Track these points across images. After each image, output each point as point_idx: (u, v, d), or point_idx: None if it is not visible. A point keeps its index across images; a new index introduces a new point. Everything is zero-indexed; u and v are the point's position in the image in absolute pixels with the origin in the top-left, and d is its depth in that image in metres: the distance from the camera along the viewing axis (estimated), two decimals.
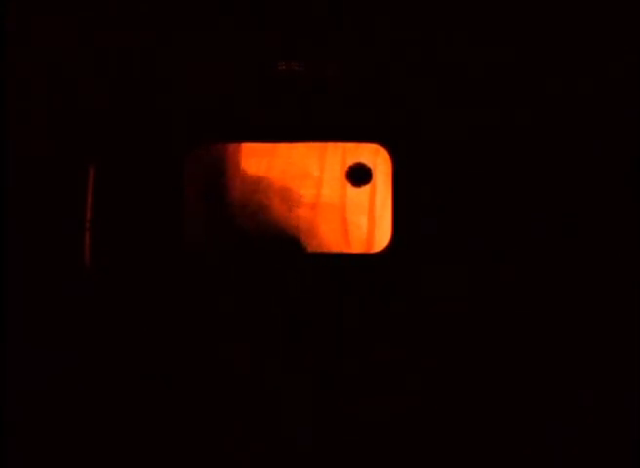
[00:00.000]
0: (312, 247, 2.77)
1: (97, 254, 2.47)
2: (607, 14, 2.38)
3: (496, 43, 2.41)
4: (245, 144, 2.79)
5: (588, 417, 2.30)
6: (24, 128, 2.46)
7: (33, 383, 2.39)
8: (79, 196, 2.46)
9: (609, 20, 2.39)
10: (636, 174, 2.35)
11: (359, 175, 2.84)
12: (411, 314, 2.39)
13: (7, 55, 2.45)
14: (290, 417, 2.37)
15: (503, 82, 2.40)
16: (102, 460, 2.36)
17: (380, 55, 2.44)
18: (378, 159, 2.76)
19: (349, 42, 2.45)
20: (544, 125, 2.38)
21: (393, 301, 2.40)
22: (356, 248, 2.89)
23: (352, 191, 2.91)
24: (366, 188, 2.87)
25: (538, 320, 2.34)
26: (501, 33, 2.41)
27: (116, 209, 2.47)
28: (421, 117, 2.44)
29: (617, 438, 2.28)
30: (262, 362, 2.39)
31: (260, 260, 2.48)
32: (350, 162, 2.85)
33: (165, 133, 2.47)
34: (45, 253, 2.44)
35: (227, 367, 2.40)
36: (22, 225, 2.45)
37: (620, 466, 2.27)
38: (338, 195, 2.94)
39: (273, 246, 2.73)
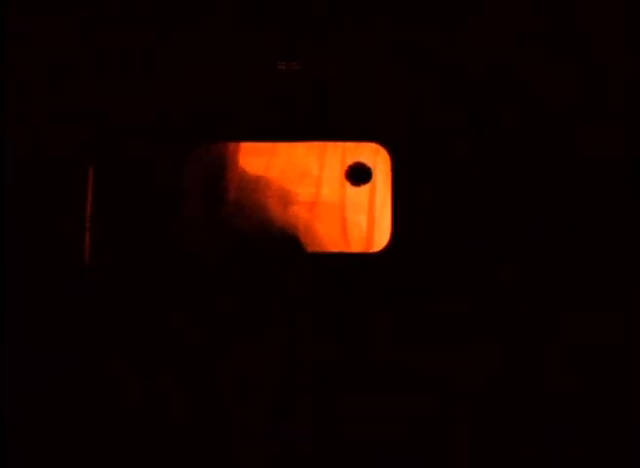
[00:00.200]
0: (312, 246, 2.77)
1: (96, 254, 2.46)
2: (607, 14, 2.38)
3: (496, 43, 2.41)
4: (245, 144, 2.79)
5: (588, 417, 2.31)
6: (24, 128, 2.46)
7: (33, 383, 2.39)
8: (79, 196, 2.46)
9: (609, 20, 2.39)
10: (636, 174, 2.35)
11: (359, 175, 2.84)
12: (411, 314, 2.38)
13: (7, 55, 2.45)
14: (290, 417, 2.37)
15: (503, 82, 2.40)
16: (102, 460, 2.36)
17: (380, 55, 2.44)
18: (377, 158, 2.76)
19: (349, 42, 2.45)
20: (545, 125, 2.38)
21: (393, 301, 2.40)
22: (356, 247, 2.90)
23: (352, 190, 2.91)
24: (365, 188, 2.87)
25: (538, 320, 2.34)
26: (502, 33, 2.41)
27: (116, 208, 2.47)
28: (421, 117, 2.44)
29: (617, 438, 2.28)
30: (262, 362, 2.39)
31: (259, 260, 2.48)
32: (350, 161, 2.86)
33: (165, 133, 2.47)
34: (45, 252, 2.44)
35: (227, 366, 2.40)
36: (22, 225, 2.45)
37: (619, 466, 2.28)
38: (337, 194, 2.94)
39: (273, 245, 2.73)
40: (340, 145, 2.84)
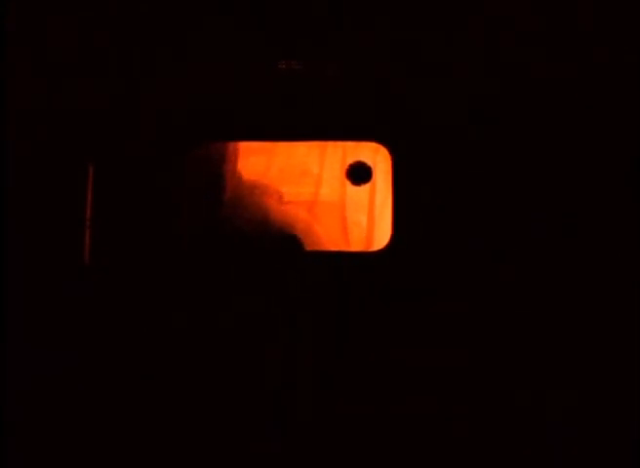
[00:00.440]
0: (312, 246, 2.77)
1: (96, 254, 2.47)
2: (607, 14, 2.38)
3: (496, 43, 2.41)
4: (245, 143, 2.79)
5: (588, 417, 2.31)
6: (24, 128, 2.46)
7: (33, 383, 2.40)
8: (79, 195, 2.46)
9: (609, 20, 2.39)
10: (636, 174, 2.35)
11: (359, 174, 2.84)
12: (410, 313, 2.38)
13: (7, 55, 2.45)
14: (290, 417, 2.37)
15: (503, 82, 2.40)
16: (102, 460, 2.37)
17: (380, 55, 2.44)
18: (378, 157, 2.76)
19: (349, 42, 2.44)
20: (545, 125, 2.38)
21: (393, 301, 2.40)
22: (356, 246, 2.90)
23: (352, 190, 2.91)
24: (366, 187, 2.87)
25: (538, 320, 2.34)
26: (502, 33, 2.41)
27: (116, 208, 2.47)
28: (421, 116, 2.43)
29: (617, 438, 2.28)
30: (262, 361, 2.39)
31: (259, 260, 2.48)
32: (350, 160, 2.86)
33: (165, 133, 2.47)
34: (45, 252, 2.45)
35: (227, 366, 2.40)
36: (23, 224, 2.45)
37: (620, 466, 2.28)
38: (337, 194, 2.94)
39: (273, 245, 2.73)
40: (340, 145, 2.84)
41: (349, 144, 2.83)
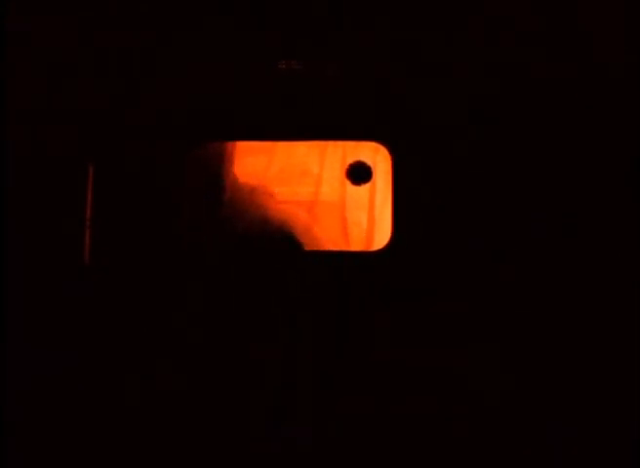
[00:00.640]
0: (312, 245, 2.77)
1: (97, 254, 2.47)
2: (607, 14, 2.38)
3: (496, 43, 2.41)
4: (245, 143, 2.79)
5: (588, 417, 2.31)
6: (24, 128, 2.46)
7: (33, 383, 2.40)
8: (79, 195, 2.46)
9: (609, 20, 2.39)
10: (636, 174, 2.35)
11: (359, 174, 2.84)
12: (410, 313, 2.38)
13: (7, 55, 2.45)
14: (290, 417, 2.37)
15: (503, 82, 2.40)
16: (102, 460, 2.37)
17: (380, 55, 2.44)
18: (378, 157, 2.76)
19: (349, 42, 2.44)
20: (545, 125, 2.38)
21: (393, 300, 2.40)
22: (356, 246, 2.90)
23: (352, 189, 2.92)
24: (366, 186, 2.88)
25: (538, 320, 2.34)
26: (502, 33, 2.41)
27: (116, 208, 2.47)
28: (421, 116, 2.43)
29: (617, 438, 2.28)
30: (262, 361, 2.39)
31: (259, 259, 2.48)
32: (350, 160, 2.86)
33: (165, 132, 2.47)
34: (45, 252, 2.45)
35: (227, 366, 2.40)
36: (22, 225, 2.45)
37: (620, 466, 2.28)
38: (337, 193, 2.95)
39: (272, 244, 2.73)
40: (340, 144, 2.85)
41: (349, 144, 2.84)
